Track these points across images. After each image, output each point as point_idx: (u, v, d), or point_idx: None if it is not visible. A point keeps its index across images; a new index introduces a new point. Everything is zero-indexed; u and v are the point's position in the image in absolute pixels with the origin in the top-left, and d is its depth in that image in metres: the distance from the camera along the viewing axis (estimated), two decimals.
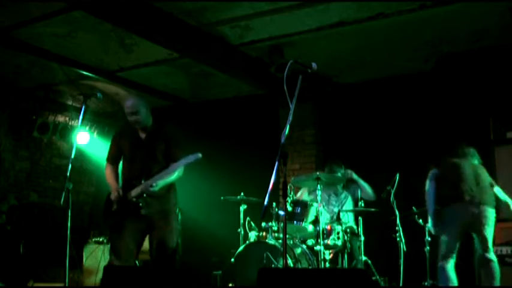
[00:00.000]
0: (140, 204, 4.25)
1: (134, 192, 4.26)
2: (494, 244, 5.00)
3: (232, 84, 7.50)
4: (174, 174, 4.30)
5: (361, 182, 5.98)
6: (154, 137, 4.46)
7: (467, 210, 4.84)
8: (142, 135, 4.47)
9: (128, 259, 4.26)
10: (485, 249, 4.83)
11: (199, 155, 4.17)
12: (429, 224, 5.07)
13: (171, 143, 4.46)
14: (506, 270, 5.03)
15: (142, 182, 4.24)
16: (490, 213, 4.88)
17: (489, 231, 4.85)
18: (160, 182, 4.22)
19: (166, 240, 4.31)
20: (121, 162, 4.58)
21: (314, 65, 3.49)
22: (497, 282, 4.70)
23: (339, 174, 5.99)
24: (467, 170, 5.04)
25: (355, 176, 5.98)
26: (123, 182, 4.46)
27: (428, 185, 5.09)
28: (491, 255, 4.83)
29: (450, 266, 4.81)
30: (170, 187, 4.42)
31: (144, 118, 4.41)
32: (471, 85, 6.26)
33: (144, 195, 4.24)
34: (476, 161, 5.16)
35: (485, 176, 5.08)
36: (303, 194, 6.21)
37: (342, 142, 7.29)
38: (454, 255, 4.85)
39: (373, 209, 5.62)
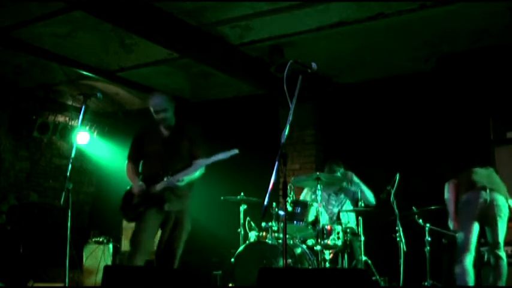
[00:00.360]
0: (165, 197, 4.31)
1: (159, 186, 4.31)
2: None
3: (232, 84, 7.50)
4: (198, 172, 4.41)
5: (362, 186, 5.95)
6: (178, 134, 4.51)
7: (479, 196, 4.78)
8: (166, 133, 4.52)
9: (146, 250, 4.32)
10: (496, 244, 4.76)
11: (236, 150, 4.27)
12: (449, 221, 5.04)
13: (194, 141, 4.54)
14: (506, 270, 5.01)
15: (165, 178, 4.29)
16: (502, 203, 4.77)
17: (502, 225, 4.78)
18: (186, 178, 4.31)
19: (178, 239, 4.43)
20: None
21: (314, 65, 3.50)
22: (502, 282, 4.66)
23: (339, 174, 5.99)
24: (481, 170, 5.03)
25: (356, 179, 5.96)
26: (144, 178, 4.49)
27: (446, 193, 5.07)
28: (502, 252, 4.76)
29: (468, 261, 4.73)
30: (191, 185, 4.51)
31: (170, 116, 4.48)
32: (471, 85, 6.26)
33: (168, 190, 4.32)
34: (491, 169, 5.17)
35: (499, 180, 5.05)
36: (307, 195, 6.20)
37: (342, 142, 7.29)
38: (472, 250, 4.77)
39: (373, 209, 5.63)
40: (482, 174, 4.97)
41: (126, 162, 4.64)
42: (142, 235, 4.30)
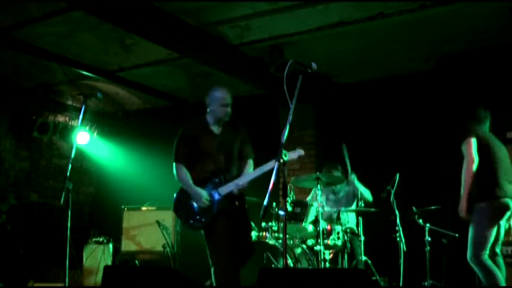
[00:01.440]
0: (237, 203, 4.16)
1: (224, 190, 4.11)
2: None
3: (232, 84, 7.48)
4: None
5: (362, 189, 5.96)
6: (230, 132, 4.29)
7: (506, 209, 4.57)
8: (217, 130, 4.28)
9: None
10: (498, 242, 4.69)
11: (302, 152, 4.15)
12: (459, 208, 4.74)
13: (245, 140, 4.37)
14: (506, 270, 5.02)
15: (222, 178, 4.12)
16: None
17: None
18: (249, 180, 4.13)
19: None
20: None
21: (314, 65, 3.47)
22: (495, 280, 4.60)
23: (336, 174, 6.00)
24: (501, 151, 4.79)
25: (356, 182, 5.97)
26: (196, 179, 4.17)
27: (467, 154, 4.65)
28: (498, 249, 4.70)
29: (486, 256, 4.65)
30: None
31: (231, 111, 4.27)
32: (471, 85, 6.25)
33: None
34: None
35: None
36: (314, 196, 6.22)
37: (342, 142, 7.27)
38: (488, 249, 4.71)
39: (373, 209, 5.63)
40: (505, 163, 4.73)
41: (176, 164, 4.21)
42: (228, 242, 4.01)
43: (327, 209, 5.97)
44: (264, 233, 5.61)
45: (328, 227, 5.42)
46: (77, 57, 6.85)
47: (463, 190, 4.66)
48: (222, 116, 4.25)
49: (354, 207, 6.00)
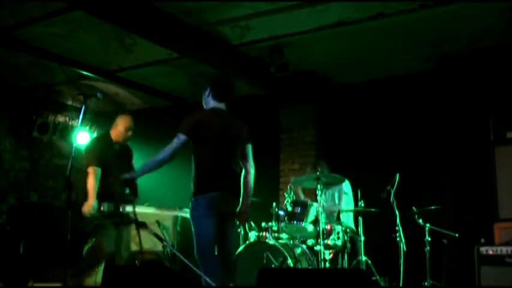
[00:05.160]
0: None
1: None
2: (494, 244, 4.97)
3: None
4: None
5: (346, 197, 6.00)
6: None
7: None
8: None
9: None
10: None
11: None
12: None
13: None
14: (506, 270, 5.02)
15: None
16: None
17: None
18: None
19: None
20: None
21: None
22: None
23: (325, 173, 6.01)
24: None
25: (346, 188, 6.02)
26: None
27: None
28: None
29: None
30: None
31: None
32: (471, 85, 6.26)
33: None
34: None
35: None
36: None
37: (342, 142, 7.29)
38: None
39: (373, 209, 5.63)
40: None
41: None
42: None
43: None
44: (264, 233, 5.60)
45: (328, 227, 5.42)
46: (77, 57, 6.86)
47: None
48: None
49: (343, 207, 6.02)
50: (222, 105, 4.31)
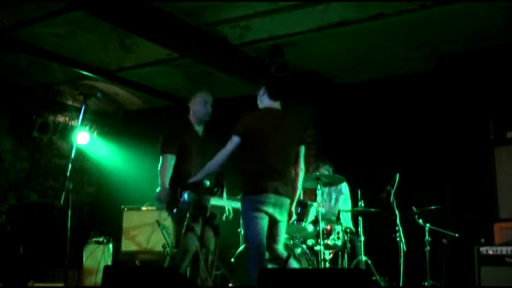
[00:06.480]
0: None
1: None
2: (494, 244, 4.98)
3: (232, 84, 7.49)
4: None
5: (343, 197, 6.00)
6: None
7: None
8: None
9: None
10: None
11: None
12: None
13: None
14: (506, 270, 5.03)
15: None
16: None
17: None
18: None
19: None
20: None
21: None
22: None
23: (325, 172, 6.00)
24: None
25: (344, 188, 6.02)
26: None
27: None
28: None
29: None
30: None
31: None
32: (471, 85, 6.26)
33: None
34: None
35: None
36: None
37: (342, 142, 7.28)
38: None
39: (373, 209, 5.63)
40: None
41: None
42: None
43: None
44: None
45: (328, 227, 5.42)
46: (77, 57, 6.85)
47: None
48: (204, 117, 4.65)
49: (340, 207, 6.02)
50: (276, 104, 4.30)
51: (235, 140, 4.06)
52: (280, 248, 4.12)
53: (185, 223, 4.13)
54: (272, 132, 4.10)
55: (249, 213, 3.95)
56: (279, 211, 4.05)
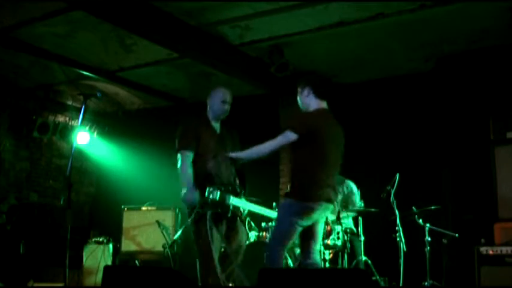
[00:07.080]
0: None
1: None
2: (494, 244, 4.99)
3: (232, 84, 7.48)
4: None
5: (356, 197, 6.00)
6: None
7: None
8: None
9: None
10: None
11: None
12: None
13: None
14: (506, 270, 5.03)
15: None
16: None
17: None
18: None
19: None
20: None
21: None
22: None
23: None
24: None
25: (354, 188, 6.02)
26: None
27: None
28: None
29: None
30: None
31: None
32: (471, 85, 6.25)
33: None
34: None
35: None
36: None
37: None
38: None
39: (373, 209, 5.63)
40: None
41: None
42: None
43: None
44: (264, 233, 5.60)
45: (328, 227, 5.42)
46: (77, 57, 6.86)
47: None
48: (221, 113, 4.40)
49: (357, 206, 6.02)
50: (325, 104, 4.07)
51: (291, 136, 3.76)
52: (317, 250, 3.95)
53: (208, 223, 4.02)
54: (330, 136, 3.91)
55: (293, 217, 3.71)
56: (323, 215, 3.93)
